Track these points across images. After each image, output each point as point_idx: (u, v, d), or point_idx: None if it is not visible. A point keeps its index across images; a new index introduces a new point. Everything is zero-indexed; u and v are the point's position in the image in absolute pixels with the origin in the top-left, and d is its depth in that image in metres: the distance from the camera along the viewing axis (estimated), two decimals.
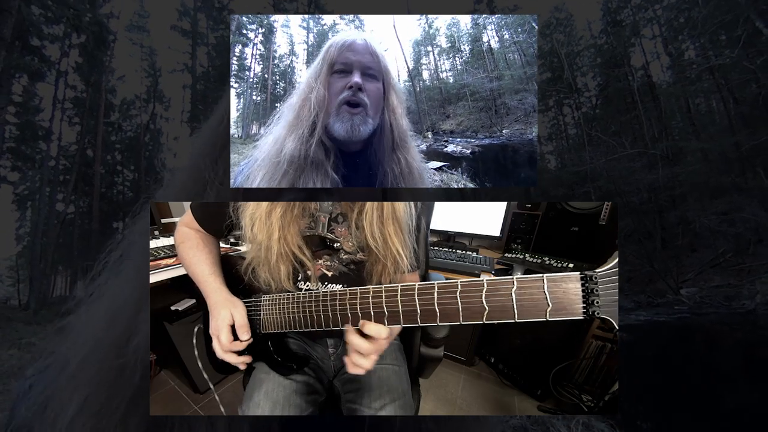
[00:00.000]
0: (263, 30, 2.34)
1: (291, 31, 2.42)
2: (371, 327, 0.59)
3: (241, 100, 2.52)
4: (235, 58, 2.42)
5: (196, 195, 0.47)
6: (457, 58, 2.43)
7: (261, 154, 0.63)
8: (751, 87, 12.25)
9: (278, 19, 2.45)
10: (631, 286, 11.62)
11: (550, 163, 23.85)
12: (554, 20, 21.56)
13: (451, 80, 2.41)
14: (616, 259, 0.48)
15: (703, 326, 7.61)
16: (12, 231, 21.60)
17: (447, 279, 0.57)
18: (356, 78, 0.62)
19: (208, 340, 0.92)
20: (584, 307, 0.47)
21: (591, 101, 20.98)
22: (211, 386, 1.02)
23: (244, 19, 2.37)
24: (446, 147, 2.51)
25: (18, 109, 13.34)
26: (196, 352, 0.96)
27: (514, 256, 1.98)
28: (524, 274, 1.75)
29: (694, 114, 16.74)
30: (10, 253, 21.28)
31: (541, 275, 0.48)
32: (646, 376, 4.82)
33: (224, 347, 0.75)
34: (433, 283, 0.54)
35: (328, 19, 2.24)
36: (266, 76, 2.49)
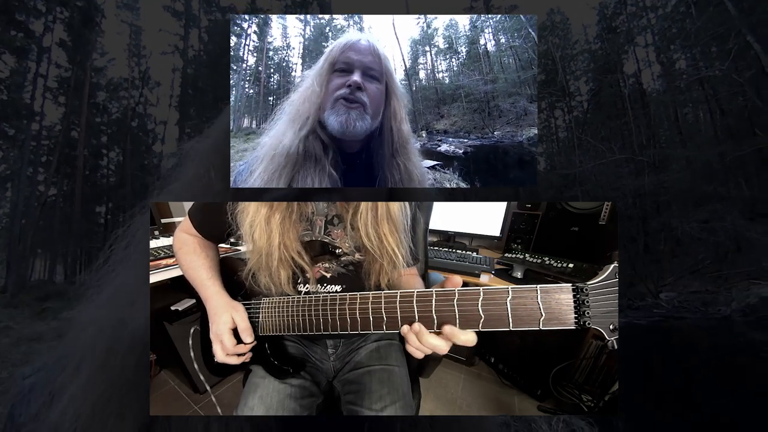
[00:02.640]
0: (258, 21, 2.30)
1: (287, 23, 2.38)
2: (461, 336, 0.53)
3: (234, 92, 2.47)
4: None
5: (198, 195, 0.48)
6: (453, 60, 2.42)
7: (262, 150, 0.62)
8: (738, 100, 12.54)
9: (272, 8, 2.41)
10: None
11: (540, 165, 24.10)
12: (550, 23, 21.68)
13: (447, 81, 2.41)
14: (608, 271, 0.49)
15: (680, 330, 7.83)
16: None
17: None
18: (356, 77, 0.61)
19: (205, 341, 0.90)
20: (576, 318, 0.48)
21: (583, 105, 21.23)
22: (208, 388, 1.02)
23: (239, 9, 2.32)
24: (440, 146, 2.52)
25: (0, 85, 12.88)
26: (192, 354, 0.96)
27: (514, 256, 1.97)
28: (524, 274, 1.75)
29: (682, 123, 17.06)
30: None
31: (534, 286, 0.50)
32: (624, 377, 4.94)
33: (228, 351, 0.75)
34: (431, 291, 0.55)
35: (326, 16, 2.21)
36: (260, 68, 2.45)
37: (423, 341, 0.54)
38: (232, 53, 2.19)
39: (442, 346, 0.54)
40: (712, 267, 11.14)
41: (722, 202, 11.61)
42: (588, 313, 0.48)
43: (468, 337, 0.53)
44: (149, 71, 21.44)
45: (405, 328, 0.56)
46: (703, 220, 11.35)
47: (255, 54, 2.33)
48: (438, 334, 0.55)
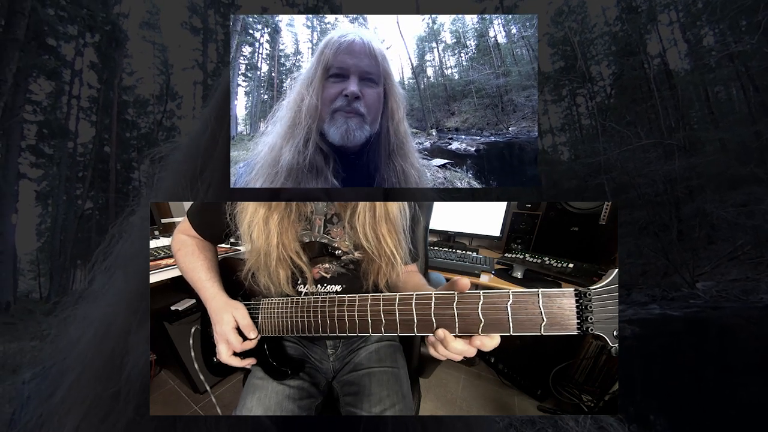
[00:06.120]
0: (269, 30, 2.36)
1: (296, 30, 2.43)
2: (486, 342, 0.51)
3: (250, 98, 2.55)
4: (242, 58, 2.44)
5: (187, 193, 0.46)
6: (462, 54, 2.40)
7: (258, 162, 0.61)
8: None
9: (282, 19, 2.46)
10: (645, 279, 11.42)
11: (563, 154, 23.51)
12: (566, 8, 21.05)
13: (456, 77, 2.39)
14: (611, 276, 0.48)
15: (719, 321, 7.47)
16: (33, 226, 22.24)
17: (447, 280, 0.57)
18: (352, 87, 0.58)
19: (205, 341, 0.92)
20: (578, 323, 0.47)
21: (605, 91, 20.51)
22: (208, 388, 1.02)
23: (250, 19, 2.38)
24: (450, 144, 2.50)
25: (35, 107, 13.67)
26: (192, 354, 0.97)
27: (514, 256, 1.95)
28: (524, 274, 1.72)
29: (713, 102, 16.23)
30: (31, 248, 21.98)
31: (536, 290, 0.49)
32: (658, 371, 4.77)
33: (236, 348, 0.75)
34: (431, 294, 0.54)
35: (331, 17, 2.24)
36: (273, 74, 2.51)
37: (450, 348, 0.53)
38: (247, 62, 2.26)
39: (469, 351, 0.52)
40: (752, 253, 10.57)
41: (760, 184, 10.98)
42: (591, 318, 0.47)
43: (495, 342, 0.51)
44: (173, 86, 22.26)
45: (430, 338, 0.55)
46: (740, 204, 10.77)
47: (267, 62, 2.39)
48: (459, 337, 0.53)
